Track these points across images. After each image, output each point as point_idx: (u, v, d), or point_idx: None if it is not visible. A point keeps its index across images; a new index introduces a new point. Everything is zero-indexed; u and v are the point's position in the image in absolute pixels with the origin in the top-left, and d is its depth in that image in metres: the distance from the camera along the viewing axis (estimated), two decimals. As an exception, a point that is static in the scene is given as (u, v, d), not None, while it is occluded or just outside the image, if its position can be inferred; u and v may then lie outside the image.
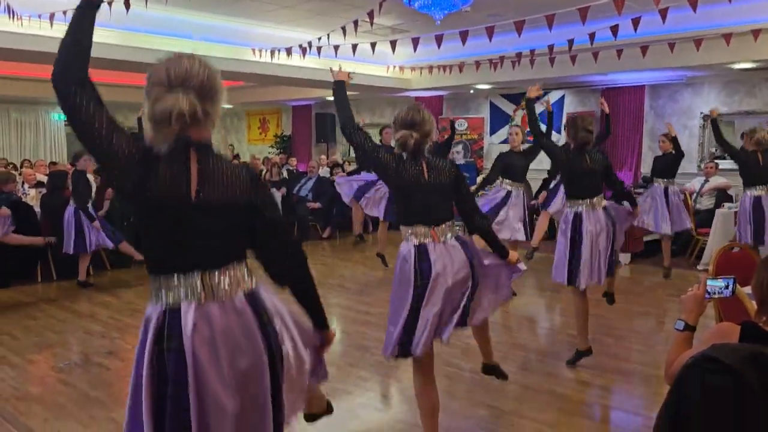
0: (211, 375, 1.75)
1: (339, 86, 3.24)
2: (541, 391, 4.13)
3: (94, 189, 7.62)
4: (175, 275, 1.79)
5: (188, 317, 1.76)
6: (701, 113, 10.21)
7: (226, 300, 1.81)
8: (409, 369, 4.68)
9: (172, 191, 1.77)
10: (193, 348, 1.73)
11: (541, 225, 7.63)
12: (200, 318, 1.77)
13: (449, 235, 3.04)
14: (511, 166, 6.83)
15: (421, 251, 2.95)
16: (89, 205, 7.08)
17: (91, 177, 7.42)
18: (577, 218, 4.43)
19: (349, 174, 8.09)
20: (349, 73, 3.46)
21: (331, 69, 3.44)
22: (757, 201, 6.48)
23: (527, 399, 4.01)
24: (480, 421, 3.56)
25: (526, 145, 7.16)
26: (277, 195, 10.17)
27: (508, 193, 6.82)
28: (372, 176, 7.52)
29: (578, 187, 4.48)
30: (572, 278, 4.42)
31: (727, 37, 7.15)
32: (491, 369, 3.84)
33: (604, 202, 4.52)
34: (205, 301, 1.79)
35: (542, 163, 8.43)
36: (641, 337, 5.33)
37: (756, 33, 7.02)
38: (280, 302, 1.97)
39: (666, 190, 7.49)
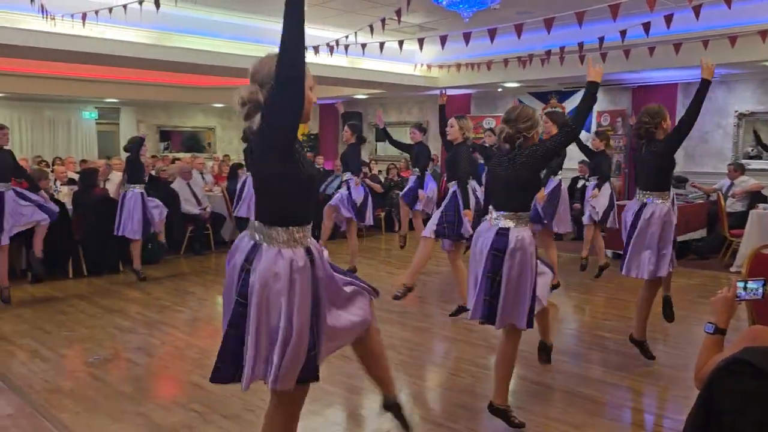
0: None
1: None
2: (568, 393, 4.09)
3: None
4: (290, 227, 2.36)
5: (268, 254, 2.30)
6: (736, 111, 10.01)
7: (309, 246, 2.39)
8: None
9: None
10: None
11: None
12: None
13: None
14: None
15: None
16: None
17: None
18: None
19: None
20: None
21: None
22: None
23: (553, 400, 3.98)
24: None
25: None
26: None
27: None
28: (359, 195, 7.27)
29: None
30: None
31: (763, 34, 6.99)
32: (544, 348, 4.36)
33: None
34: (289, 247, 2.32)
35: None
36: (670, 339, 5.25)
37: (793, 30, 6.87)
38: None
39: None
